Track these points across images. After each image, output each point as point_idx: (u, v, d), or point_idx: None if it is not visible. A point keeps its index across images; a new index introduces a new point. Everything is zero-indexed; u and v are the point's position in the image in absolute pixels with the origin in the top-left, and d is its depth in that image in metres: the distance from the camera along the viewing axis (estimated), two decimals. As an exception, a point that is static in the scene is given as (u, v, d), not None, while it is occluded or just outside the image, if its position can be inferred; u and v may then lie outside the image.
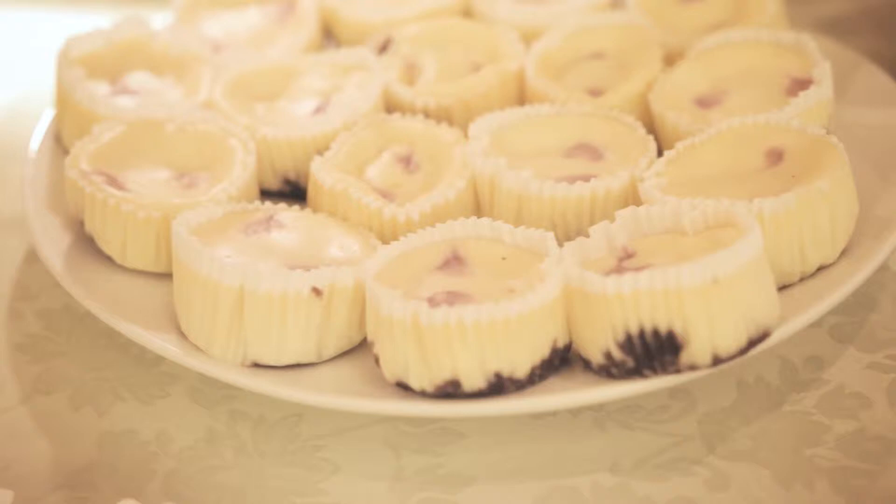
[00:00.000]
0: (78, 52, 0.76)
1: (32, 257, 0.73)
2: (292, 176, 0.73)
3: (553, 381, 0.60)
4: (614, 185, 0.66)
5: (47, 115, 0.77)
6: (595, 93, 0.74)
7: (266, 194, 0.72)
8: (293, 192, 0.73)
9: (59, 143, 0.76)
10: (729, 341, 0.58)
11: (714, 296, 0.57)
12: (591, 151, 0.70)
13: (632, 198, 0.66)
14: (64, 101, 0.75)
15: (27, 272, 0.72)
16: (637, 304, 0.57)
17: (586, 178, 0.67)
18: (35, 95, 0.85)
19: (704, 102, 0.71)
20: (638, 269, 0.59)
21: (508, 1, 0.81)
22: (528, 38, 0.78)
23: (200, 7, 0.82)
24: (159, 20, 0.82)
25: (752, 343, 0.59)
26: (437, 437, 0.62)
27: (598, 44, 0.77)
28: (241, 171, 0.69)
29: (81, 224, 0.69)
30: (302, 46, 0.80)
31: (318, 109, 0.74)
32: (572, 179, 0.67)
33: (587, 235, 0.63)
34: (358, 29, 0.81)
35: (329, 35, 0.83)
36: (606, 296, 0.58)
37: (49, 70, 0.86)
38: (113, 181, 0.68)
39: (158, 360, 0.66)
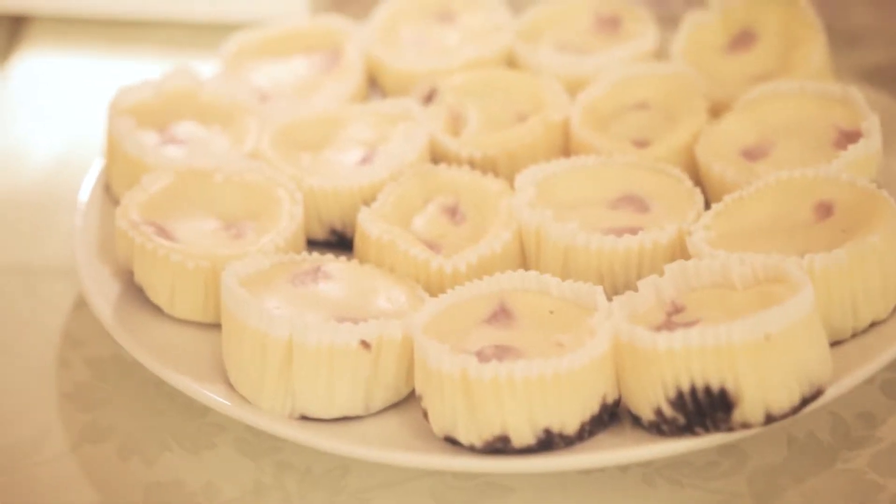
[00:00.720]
0: (128, 102, 0.77)
1: (81, 305, 0.73)
2: (339, 226, 0.73)
3: (602, 437, 0.59)
4: (662, 239, 0.66)
5: (96, 164, 0.77)
6: (640, 143, 0.74)
7: (312, 244, 0.73)
8: (340, 241, 0.73)
9: (109, 192, 0.76)
10: (782, 399, 0.57)
11: (766, 353, 0.56)
12: (637, 203, 0.70)
13: (679, 251, 0.66)
14: (114, 150, 0.75)
15: (76, 320, 0.73)
16: (688, 360, 0.57)
17: (633, 231, 0.67)
18: (84, 144, 0.86)
19: (751, 154, 0.71)
20: (687, 323, 0.59)
21: (552, 51, 0.82)
22: (572, 88, 0.78)
23: (247, 56, 0.83)
24: (207, 68, 0.82)
25: (806, 401, 0.58)
26: (484, 491, 0.61)
27: (642, 94, 0.77)
28: (288, 223, 0.70)
29: (131, 274, 0.69)
30: (347, 96, 0.80)
31: (364, 159, 0.75)
32: (619, 231, 0.67)
33: (634, 288, 0.62)
34: (403, 78, 0.81)
35: (374, 84, 0.83)
36: (657, 352, 0.57)
37: (98, 119, 0.87)
38: (162, 231, 0.69)
39: (206, 410, 0.66)
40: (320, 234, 0.74)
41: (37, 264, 0.77)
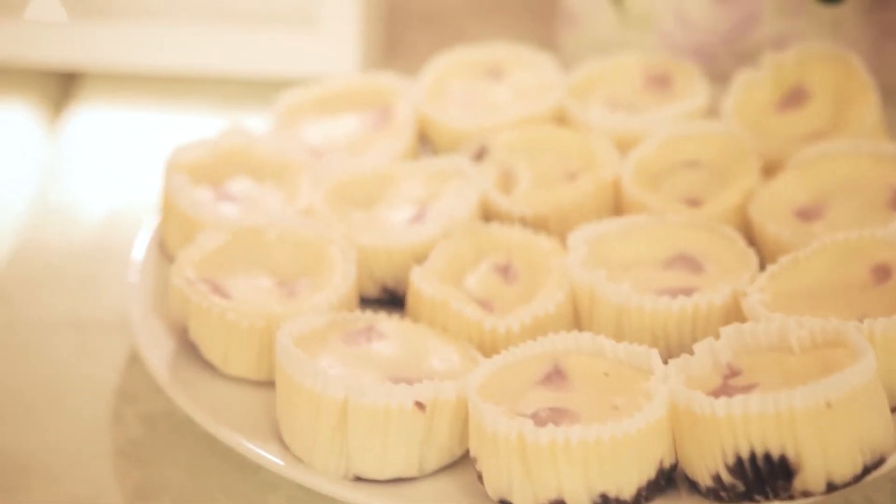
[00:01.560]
0: (183, 160, 0.77)
1: (135, 361, 0.74)
2: (390, 283, 0.73)
3: (659, 503, 0.59)
4: (717, 300, 0.66)
5: (150, 220, 0.78)
6: (692, 202, 0.74)
7: (364, 301, 0.73)
8: (391, 299, 0.74)
9: (163, 248, 0.77)
10: (844, 467, 0.56)
11: (828, 420, 0.56)
12: (690, 263, 0.69)
13: (734, 312, 0.66)
14: (169, 207, 0.76)
15: (130, 376, 0.73)
16: (748, 427, 0.56)
17: (687, 291, 0.67)
18: (136, 199, 0.87)
19: (805, 215, 0.71)
20: (745, 387, 0.58)
21: (602, 108, 0.82)
22: (623, 145, 0.78)
23: (299, 113, 0.83)
24: (259, 124, 0.83)
25: (868, 469, 0.57)
26: (539, 555, 0.61)
27: (693, 152, 0.77)
28: (341, 281, 0.70)
29: (185, 330, 0.70)
30: (398, 153, 0.80)
31: (416, 217, 0.75)
32: (673, 292, 0.67)
33: (689, 349, 0.62)
34: (453, 136, 0.82)
35: (424, 141, 0.84)
36: (716, 418, 0.57)
37: (150, 175, 0.88)
38: (217, 289, 0.69)
39: (258, 468, 0.66)
40: (372, 291, 0.74)
41: (90, 319, 0.77)
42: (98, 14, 0.97)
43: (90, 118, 0.94)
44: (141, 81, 0.97)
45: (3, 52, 0.96)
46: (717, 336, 0.62)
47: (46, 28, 0.96)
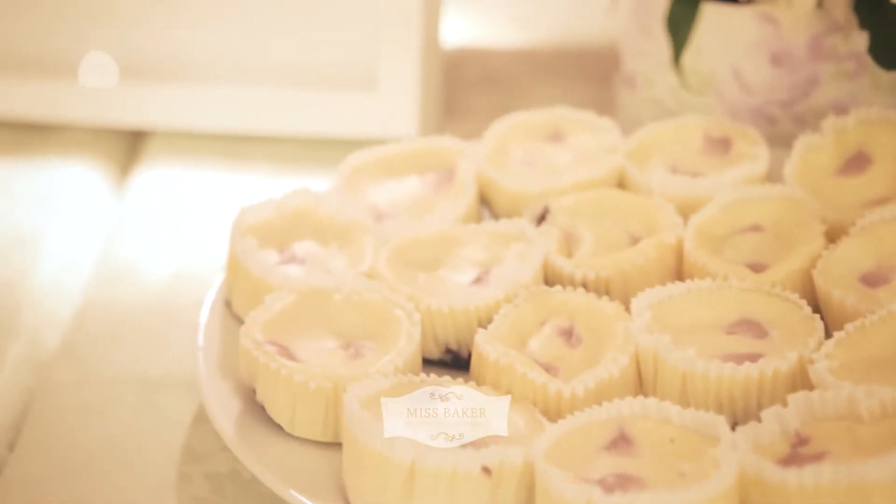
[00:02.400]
0: (250, 221, 0.79)
1: (202, 420, 0.74)
2: (453, 345, 0.74)
3: (728, 572, 0.58)
4: (783, 367, 0.66)
5: (216, 279, 0.79)
6: (755, 267, 0.74)
7: (427, 363, 0.73)
8: (454, 361, 0.74)
9: (229, 307, 0.78)
10: (917, 540, 0.56)
11: (902, 492, 0.55)
12: (754, 328, 0.69)
13: (800, 379, 0.65)
14: (235, 268, 0.77)
15: (197, 435, 0.74)
16: (819, 498, 0.56)
17: (752, 357, 0.67)
18: (201, 258, 0.88)
19: (871, 280, 0.71)
20: (814, 456, 0.58)
21: (663, 172, 0.82)
22: (684, 209, 0.79)
23: (362, 175, 0.85)
24: (321, 183, 0.84)
25: (941, 542, 0.57)
26: None
27: (755, 217, 0.77)
28: (406, 343, 0.70)
29: (253, 391, 0.71)
30: (460, 215, 0.81)
31: (479, 279, 0.75)
32: (737, 358, 0.67)
33: (754, 415, 0.62)
34: (514, 198, 0.82)
35: (486, 203, 0.85)
36: (787, 488, 0.56)
37: (215, 233, 0.89)
38: (284, 350, 0.70)
39: (324, 529, 0.67)
40: (435, 353, 0.74)
41: (157, 378, 0.78)
42: (165, 75, 0.99)
43: (156, 177, 0.96)
44: (206, 141, 0.98)
45: (70, 111, 0.99)
46: (784, 403, 0.62)
47: (113, 88, 0.98)
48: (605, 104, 0.99)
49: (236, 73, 0.98)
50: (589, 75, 1.04)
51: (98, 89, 0.99)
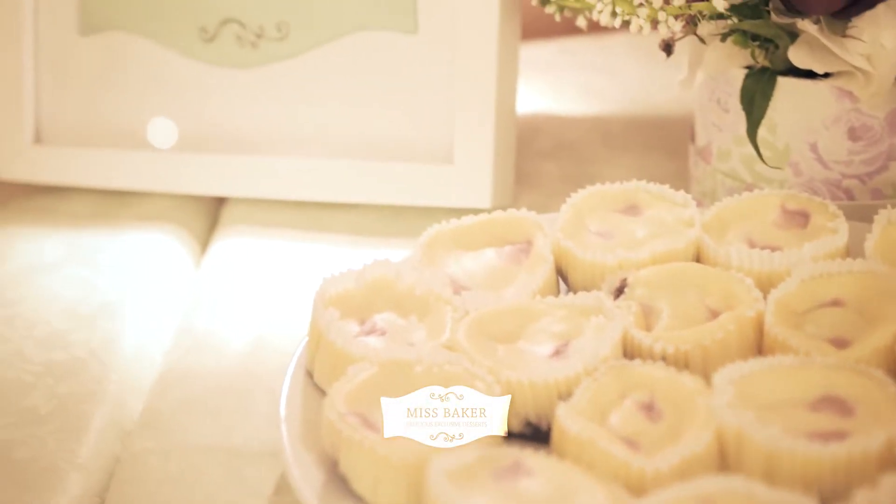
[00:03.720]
0: (332, 292, 0.80)
1: (283, 490, 0.75)
2: (533, 418, 0.74)
3: None
4: (872, 446, 0.65)
5: (296, 349, 0.80)
6: (836, 342, 0.74)
7: (507, 435, 0.73)
8: (534, 434, 0.74)
9: (310, 377, 0.78)
10: None
11: None
12: (839, 406, 0.69)
13: (889, 458, 0.65)
14: (318, 339, 0.78)
15: (278, 506, 0.74)
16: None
17: (838, 435, 0.66)
18: (282, 325, 0.89)
19: (958, 358, 0.70)
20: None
21: (740, 245, 0.82)
22: (762, 283, 0.78)
23: (440, 246, 0.85)
24: (402, 255, 0.85)
25: None
26: None
27: (837, 291, 0.76)
28: (488, 416, 0.71)
29: (335, 462, 0.71)
30: (538, 287, 0.82)
31: (557, 352, 0.75)
32: (823, 436, 0.66)
33: (840, 495, 0.61)
34: (591, 270, 0.82)
35: (562, 275, 0.85)
36: (881, 573, 0.56)
37: (295, 301, 0.90)
38: (366, 422, 0.71)
39: None
40: (515, 425, 0.74)
41: (238, 446, 0.79)
42: (247, 147, 1.01)
43: (236, 245, 0.98)
44: (285, 206, 1.00)
45: (151, 179, 1.01)
46: (873, 483, 0.61)
47: (195, 158, 1.01)
48: (677, 175, 0.99)
49: (319, 146, 1.00)
50: (660, 146, 1.04)
51: (179, 157, 1.01)
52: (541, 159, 1.05)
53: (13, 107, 1.01)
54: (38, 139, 1.03)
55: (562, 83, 1.17)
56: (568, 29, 1.25)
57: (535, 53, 1.19)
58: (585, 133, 1.08)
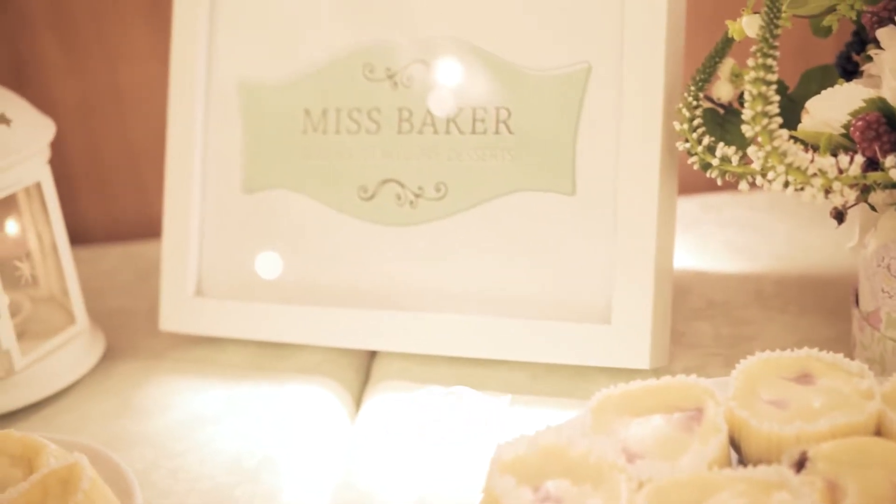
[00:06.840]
0: (506, 457, 0.78)
1: None
2: None
3: None
4: None
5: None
6: None
7: None
8: None
9: (482, 546, 0.76)
10: None
11: None
12: None
13: None
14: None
15: None
16: None
17: None
18: (443, 486, 0.87)
19: None
20: None
21: (924, 418, 0.79)
22: (950, 459, 0.75)
23: (610, 411, 0.83)
24: (569, 418, 0.83)
25: None
26: None
27: None
28: None
29: None
30: (712, 457, 0.79)
31: (741, 528, 0.72)
32: None
33: None
34: (768, 441, 0.79)
35: (734, 444, 0.82)
36: None
37: (452, 460, 0.88)
38: None
39: None
40: None
41: None
42: (399, 302, 1.01)
43: (390, 400, 0.97)
44: (438, 363, 0.99)
45: (307, 333, 1.01)
46: None
47: (349, 312, 1.01)
48: (837, 340, 0.97)
49: (475, 302, 1.00)
50: (816, 308, 1.02)
51: (335, 312, 1.01)
52: (694, 318, 1.03)
53: (179, 261, 1.03)
54: (199, 291, 1.04)
55: (707, 240, 1.16)
56: (707, 185, 1.24)
57: (679, 209, 1.18)
58: (736, 292, 1.06)
